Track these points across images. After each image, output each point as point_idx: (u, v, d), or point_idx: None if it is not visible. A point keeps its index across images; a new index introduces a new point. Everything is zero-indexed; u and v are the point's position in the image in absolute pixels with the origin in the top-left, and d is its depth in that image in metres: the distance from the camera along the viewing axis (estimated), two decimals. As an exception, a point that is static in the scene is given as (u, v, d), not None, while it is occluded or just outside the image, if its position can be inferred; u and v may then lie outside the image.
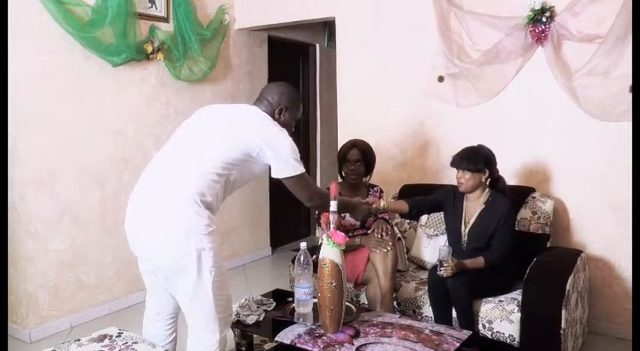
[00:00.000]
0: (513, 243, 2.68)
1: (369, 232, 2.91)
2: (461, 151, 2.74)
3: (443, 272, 2.52)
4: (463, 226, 2.76)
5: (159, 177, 2.08)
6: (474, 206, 2.75)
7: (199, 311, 2.05)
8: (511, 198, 2.77)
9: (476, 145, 2.76)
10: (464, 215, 2.77)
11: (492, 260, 2.63)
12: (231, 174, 2.10)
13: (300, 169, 2.14)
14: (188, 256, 1.95)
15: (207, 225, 1.99)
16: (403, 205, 2.86)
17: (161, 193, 2.03)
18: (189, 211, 1.97)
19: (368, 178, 3.09)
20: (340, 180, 3.10)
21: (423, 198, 2.95)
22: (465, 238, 2.74)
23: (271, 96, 2.21)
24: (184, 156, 2.08)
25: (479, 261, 2.62)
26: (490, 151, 2.73)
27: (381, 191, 3.06)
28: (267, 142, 2.05)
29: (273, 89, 2.23)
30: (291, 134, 2.22)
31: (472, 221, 2.73)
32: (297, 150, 2.14)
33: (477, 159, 2.67)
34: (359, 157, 2.95)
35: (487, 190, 2.74)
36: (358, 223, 2.95)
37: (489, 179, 2.74)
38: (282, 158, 2.09)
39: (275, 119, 2.18)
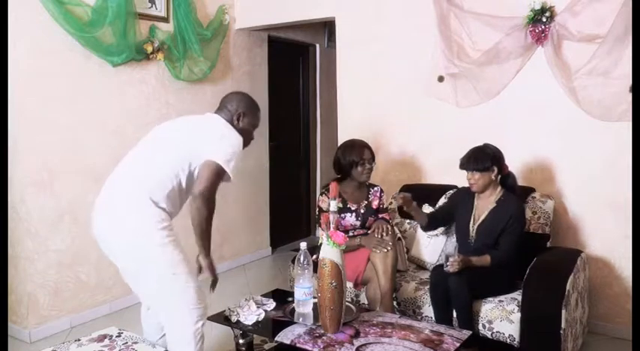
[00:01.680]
0: (521, 244, 2.68)
1: (369, 232, 2.91)
2: (467, 152, 2.76)
3: (449, 267, 2.53)
4: (472, 223, 2.77)
5: (117, 182, 2.19)
6: (484, 204, 2.76)
7: (168, 308, 2.12)
8: (520, 194, 2.81)
9: (482, 144, 2.78)
10: (474, 212, 2.79)
11: (499, 259, 2.63)
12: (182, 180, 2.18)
13: (226, 164, 2.14)
14: (144, 252, 2.06)
15: (160, 221, 2.07)
16: (422, 216, 2.92)
17: (117, 196, 2.13)
18: (142, 211, 2.06)
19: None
20: (339, 180, 3.02)
21: (439, 208, 3.01)
22: (472, 234, 2.75)
23: (230, 104, 2.34)
24: (142, 162, 2.21)
25: (485, 259, 2.63)
26: (496, 149, 2.75)
27: (382, 191, 3.06)
28: (220, 137, 2.19)
29: (232, 97, 2.37)
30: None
31: (482, 218, 2.74)
32: (237, 152, 2.21)
33: (483, 158, 2.69)
34: (372, 156, 2.96)
35: (499, 188, 2.76)
36: (358, 223, 2.95)
37: (499, 176, 2.75)
38: (219, 144, 2.16)
39: (234, 126, 2.30)
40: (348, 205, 2.95)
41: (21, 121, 3.04)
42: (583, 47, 2.96)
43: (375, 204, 3.01)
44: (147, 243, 2.05)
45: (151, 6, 3.69)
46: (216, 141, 2.17)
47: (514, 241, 2.66)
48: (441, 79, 3.48)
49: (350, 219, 2.94)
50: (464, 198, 2.87)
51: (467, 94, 3.39)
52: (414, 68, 3.58)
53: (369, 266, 2.78)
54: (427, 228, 2.99)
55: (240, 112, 2.32)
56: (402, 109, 3.69)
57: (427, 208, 3.18)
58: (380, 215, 3.00)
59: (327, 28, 5.30)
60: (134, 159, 2.23)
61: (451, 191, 3.25)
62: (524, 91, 3.20)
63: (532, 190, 3.08)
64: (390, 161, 3.76)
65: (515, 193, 2.79)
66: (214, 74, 4.17)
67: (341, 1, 3.87)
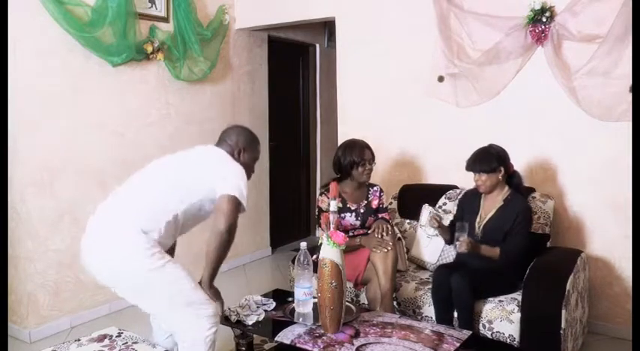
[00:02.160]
0: (528, 243, 2.69)
1: (369, 232, 2.91)
2: (473, 153, 2.77)
3: (458, 247, 2.57)
4: (478, 221, 2.78)
5: (108, 213, 2.14)
6: (491, 203, 2.77)
7: (179, 319, 2.08)
8: (525, 193, 2.83)
9: (487, 145, 2.78)
10: (480, 211, 2.79)
11: (507, 254, 2.64)
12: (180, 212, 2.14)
13: (242, 196, 2.11)
14: (142, 279, 2.02)
15: (149, 248, 2.01)
16: (447, 232, 2.90)
17: (106, 228, 2.10)
18: (131, 240, 2.02)
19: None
20: (338, 180, 3.00)
21: (454, 218, 2.98)
22: (478, 231, 2.76)
23: (229, 138, 2.31)
24: (136, 195, 2.16)
25: (494, 251, 2.65)
26: (502, 149, 2.75)
27: (381, 190, 3.06)
28: (221, 167, 2.18)
29: (231, 132, 2.34)
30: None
31: (488, 216, 2.75)
32: (246, 184, 2.17)
33: (489, 159, 2.70)
34: (372, 157, 2.95)
35: (506, 188, 2.77)
36: (358, 223, 2.95)
37: (506, 176, 2.76)
38: (229, 177, 2.13)
39: (235, 160, 2.26)
40: (348, 205, 2.95)
41: (21, 121, 3.04)
42: (583, 47, 2.95)
43: (374, 204, 3.00)
44: (140, 270, 2.01)
45: (151, 6, 3.69)
46: (229, 175, 2.14)
47: (522, 239, 2.67)
48: (441, 79, 3.48)
49: (350, 219, 2.94)
50: (471, 198, 2.88)
51: (467, 94, 3.39)
52: (414, 68, 3.58)
53: (369, 266, 2.78)
54: (452, 241, 2.90)
55: (240, 148, 2.31)
56: (402, 109, 3.69)
57: (427, 208, 3.18)
58: (380, 215, 2.99)
59: (327, 28, 5.30)
60: (127, 191, 2.18)
61: (451, 191, 3.25)
62: (524, 91, 3.20)
63: (532, 190, 3.08)
64: (390, 161, 3.76)
65: (521, 192, 2.80)
66: (214, 74, 4.17)
67: (341, 1, 3.87)
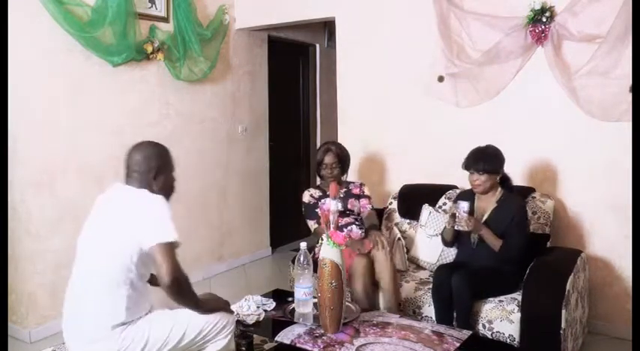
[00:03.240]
0: (527, 242, 2.68)
1: (353, 228, 3.03)
2: (472, 153, 2.74)
3: (457, 224, 2.58)
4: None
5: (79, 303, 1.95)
6: (485, 205, 2.76)
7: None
8: (517, 194, 2.81)
9: (484, 145, 2.77)
10: (475, 213, 2.77)
11: (508, 250, 2.63)
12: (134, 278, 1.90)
13: (171, 235, 1.85)
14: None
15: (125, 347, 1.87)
16: (449, 238, 2.86)
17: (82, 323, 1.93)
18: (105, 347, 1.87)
19: (345, 176, 3.25)
20: (320, 180, 3.26)
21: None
22: (474, 235, 2.74)
23: (138, 166, 2.00)
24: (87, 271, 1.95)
25: (497, 240, 2.63)
26: (499, 150, 2.75)
27: (362, 184, 3.21)
28: (138, 216, 1.89)
29: (137, 158, 2.01)
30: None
31: (484, 219, 2.73)
32: (169, 214, 1.92)
33: (492, 160, 2.69)
34: (334, 161, 3.09)
35: (499, 189, 2.76)
36: (339, 207, 2.84)
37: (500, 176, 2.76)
38: (150, 224, 1.87)
39: (153, 190, 1.99)
40: (328, 192, 2.99)
41: (21, 121, 3.04)
42: (583, 47, 2.95)
43: (355, 191, 3.16)
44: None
45: (151, 6, 3.69)
46: (148, 221, 1.87)
47: (521, 239, 2.66)
48: (441, 79, 3.48)
49: (330, 206, 2.84)
50: (466, 200, 2.84)
51: (467, 94, 3.38)
52: (414, 68, 3.57)
53: (353, 263, 2.75)
54: (452, 245, 2.90)
55: (153, 174, 2.01)
56: (402, 109, 3.69)
57: (427, 208, 3.18)
58: (362, 201, 3.12)
59: (327, 28, 5.30)
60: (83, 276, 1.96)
61: (451, 191, 3.25)
62: (524, 91, 3.20)
63: (532, 190, 3.08)
64: (390, 161, 3.76)
65: (512, 192, 2.79)
66: (214, 74, 4.17)
67: (341, 1, 3.87)
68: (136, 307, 1.91)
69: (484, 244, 2.69)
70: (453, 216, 2.66)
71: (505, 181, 2.78)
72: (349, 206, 3.09)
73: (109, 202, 2.03)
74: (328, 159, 3.09)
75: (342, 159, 3.15)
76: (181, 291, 1.86)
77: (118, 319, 1.86)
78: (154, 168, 2.02)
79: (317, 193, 3.16)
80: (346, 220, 3.05)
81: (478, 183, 2.70)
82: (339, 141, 3.95)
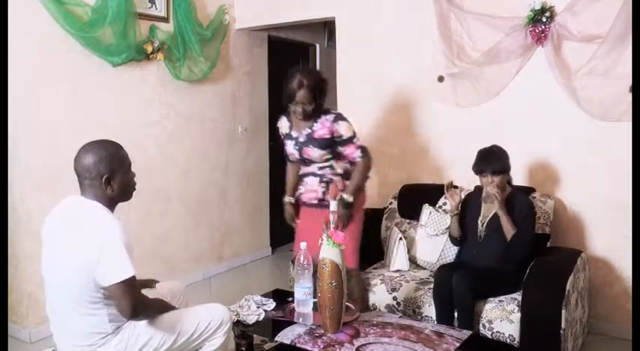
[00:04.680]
0: (533, 238, 2.70)
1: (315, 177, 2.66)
2: (480, 155, 2.74)
3: (490, 190, 2.61)
4: (481, 219, 2.78)
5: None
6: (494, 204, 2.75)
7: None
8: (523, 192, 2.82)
9: (488, 146, 2.77)
10: (482, 211, 2.79)
11: (520, 239, 2.63)
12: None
13: (131, 270, 1.76)
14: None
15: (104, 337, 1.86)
16: (456, 232, 2.86)
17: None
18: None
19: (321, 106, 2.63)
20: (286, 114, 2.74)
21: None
22: (481, 229, 2.76)
23: (88, 172, 1.85)
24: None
25: (513, 226, 2.63)
26: (503, 148, 2.76)
27: (338, 118, 2.58)
28: (99, 246, 1.76)
29: (85, 163, 1.85)
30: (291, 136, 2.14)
31: (490, 215, 2.75)
32: (127, 242, 1.79)
33: (502, 159, 2.69)
34: (308, 98, 2.51)
35: (507, 187, 2.77)
36: (296, 153, 2.65)
37: None
38: (115, 257, 1.75)
39: (108, 196, 1.88)
40: (291, 132, 2.68)
41: (21, 121, 3.04)
42: (583, 47, 2.95)
43: (319, 134, 2.56)
44: None
45: (151, 6, 3.69)
46: (106, 261, 1.75)
47: (528, 232, 2.67)
48: (441, 79, 3.48)
49: (290, 147, 2.69)
50: (473, 199, 2.87)
51: (467, 94, 3.38)
52: (414, 68, 3.58)
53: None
54: (460, 242, 2.88)
55: (106, 177, 1.85)
56: (402, 109, 3.69)
57: (427, 208, 3.18)
58: (340, 149, 2.59)
59: (327, 28, 5.31)
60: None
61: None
62: (524, 91, 3.20)
63: (532, 190, 3.08)
64: (390, 161, 3.76)
65: (520, 192, 2.81)
66: (214, 74, 4.17)
67: (341, 1, 3.87)
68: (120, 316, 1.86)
69: (490, 240, 2.70)
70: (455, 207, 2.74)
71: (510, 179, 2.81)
72: (305, 155, 2.61)
73: (63, 218, 1.91)
74: (300, 96, 2.51)
75: (317, 95, 2.53)
76: (142, 318, 1.87)
77: (105, 331, 1.86)
78: (106, 172, 1.85)
79: (285, 126, 2.73)
80: (307, 169, 2.67)
81: (494, 185, 2.67)
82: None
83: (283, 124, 2.75)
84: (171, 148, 3.92)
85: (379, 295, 2.84)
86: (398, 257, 3.04)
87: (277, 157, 4.93)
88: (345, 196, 2.54)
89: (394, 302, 2.79)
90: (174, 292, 2.32)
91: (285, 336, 2.18)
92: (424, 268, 3.10)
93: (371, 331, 2.20)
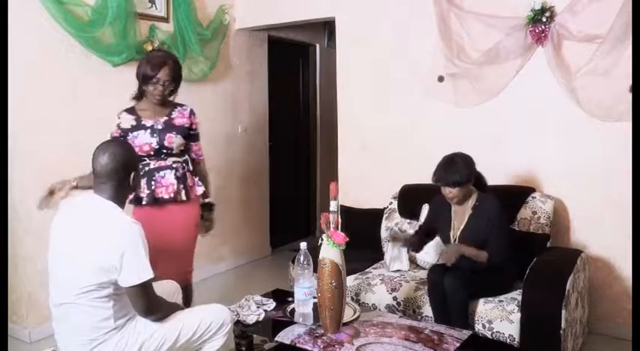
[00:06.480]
0: (510, 241, 2.66)
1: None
2: (441, 165, 2.66)
3: (447, 260, 2.57)
4: (452, 232, 2.74)
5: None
6: (462, 212, 2.72)
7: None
8: (490, 192, 2.75)
9: (451, 154, 2.69)
10: (452, 223, 2.75)
11: (495, 257, 2.59)
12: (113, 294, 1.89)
13: (149, 272, 1.85)
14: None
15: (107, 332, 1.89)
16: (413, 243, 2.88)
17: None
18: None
19: (174, 97, 2.67)
20: (139, 98, 2.65)
21: (424, 224, 2.98)
22: (454, 243, 2.71)
23: (105, 171, 1.91)
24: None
25: (482, 254, 2.59)
26: (467, 156, 2.67)
27: (193, 113, 2.64)
28: (119, 248, 1.82)
29: (102, 161, 1.90)
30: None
31: (462, 227, 2.71)
32: (144, 243, 1.86)
33: (462, 171, 2.59)
34: (170, 77, 2.49)
35: (474, 194, 2.70)
36: (155, 142, 2.54)
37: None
38: (134, 260, 1.83)
39: (123, 196, 1.97)
40: (143, 122, 2.54)
41: (21, 121, 3.04)
42: (583, 47, 2.95)
43: (178, 122, 2.57)
44: None
45: (151, 6, 3.69)
46: (127, 264, 1.82)
47: (503, 240, 2.62)
48: (441, 79, 3.47)
49: (144, 137, 2.51)
50: (442, 208, 2.80)
51: (467, 94, 3.38)
52: (414, 68, 3.57)
53: None
54: (419, 249, 2.88)
55: (121, 175, 1.92)
56: (402, 108, 3.69)
57: (427, 208, 3.17)
58: (192, 143, 2.66)
59: (327, 28, 5.30)
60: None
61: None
62: (524, 91, 3.20)
63: (532, 190, 3.08)
64: (390, 161, 3.76)
65: (486, 190, 2.75)
66: (214, 74, 4.17)
67: (341, 1, 3.87)
68: (124, 311, 1.92)
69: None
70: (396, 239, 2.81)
71: (478, 179, 2.71)
72: (166, 143, 2.51)
73: (78, 215, 1.98)
74: (163, 75, 2.45)
75: (177, 78, 2.54)
76: (153, 317, 1.94)
77: (107, 327, 1.88)
78: (130, 175, 1.95)
79: (130, 120, 2.55)
80: (160, 163, 2.54)
81: (452, 196, 2.64)
82: (338, 141, 3.96)
83: (125, 118, 2.57)
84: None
85: (379, 295, 2.84)
86: (398, 257, 3.04)
87: (277, 157, 4.95)
88: (211, 200, 2.66)
89: (394, 302, 2.79)
90: (169, 292, 2.32)
91: (285, 336, 2.18)
92: (424, 269, 3.09)
93: (371, 331, 2.20)
